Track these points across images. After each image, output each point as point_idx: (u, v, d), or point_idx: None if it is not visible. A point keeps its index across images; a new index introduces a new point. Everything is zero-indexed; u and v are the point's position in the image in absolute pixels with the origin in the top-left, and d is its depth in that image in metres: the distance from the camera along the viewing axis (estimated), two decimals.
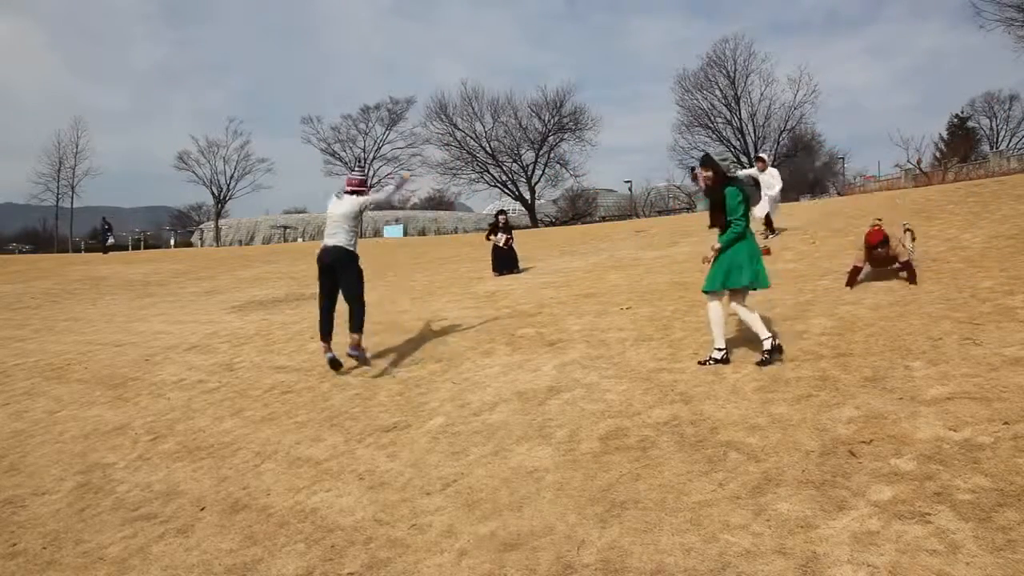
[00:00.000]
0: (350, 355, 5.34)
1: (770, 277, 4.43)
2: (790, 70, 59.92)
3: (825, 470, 2.73)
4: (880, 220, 6.47)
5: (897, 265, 5.78)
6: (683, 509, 2.62)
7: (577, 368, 4.66)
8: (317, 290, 5.48)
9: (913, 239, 6.47)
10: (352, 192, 5.48)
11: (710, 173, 4.35)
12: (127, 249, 33.93)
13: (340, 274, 5.29)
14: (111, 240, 26.67)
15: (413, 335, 6.41)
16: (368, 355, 5.49)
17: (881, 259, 5.76)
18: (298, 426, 4.35)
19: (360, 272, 5.37)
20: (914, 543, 2.17)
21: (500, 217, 11.42)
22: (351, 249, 5.29)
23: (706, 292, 4.38)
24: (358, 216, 5.38)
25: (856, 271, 5.88)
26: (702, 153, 4.57)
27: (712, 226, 4.43)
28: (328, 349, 5.38)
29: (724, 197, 4.25)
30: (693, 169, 4.74)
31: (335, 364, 5.35)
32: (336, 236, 5.28)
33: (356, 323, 5.28)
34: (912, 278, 5.66)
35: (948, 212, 9.97)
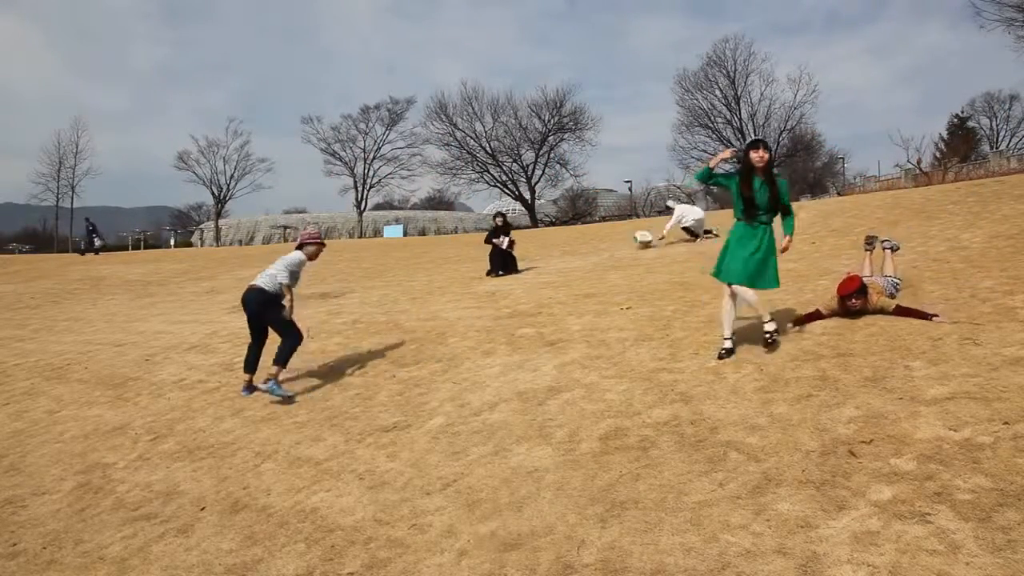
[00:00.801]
0: (260, 388, 5.02)
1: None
2: (790, 70, 60.03)
3: (825, 470, 2.73)
4: (870, 244, 5.86)
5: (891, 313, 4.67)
6: (683, 509, 2.62)
7: (577, 368, 4.66)
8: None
9: (894, 249, 5.64)
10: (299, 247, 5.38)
11: (768, 156, 4.30)
12: (114, 250, 32.59)
13: (263, 316, 5.13)
14: (98, 242, 25.73)
15: (413, 335, 6.41)
16: (285, 391, 4.96)
17: (855, 312, 4.75)
18: (298, 426, 4.35)
19: (282, 309, 5.13)
20: (914, 543, 2.17)
21: (498, 219, 11.16)
22: (272, 292, 5.10)
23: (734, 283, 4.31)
24: (285, 271, 5.14)
25: (815, 316, 4.88)
26: (756, 138, 4.42)
27: (748, 212, 4.29)
28: (247, 384, 5.26)
29: (779, 185, 4.28)
30: (738, 150, 4.61)
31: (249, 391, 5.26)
32: (262, 278, 5.15)
33: (279, 355, 4.97)
34: (921, 316, 4.46)
35: (948, 212, 9.97)
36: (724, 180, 4.41)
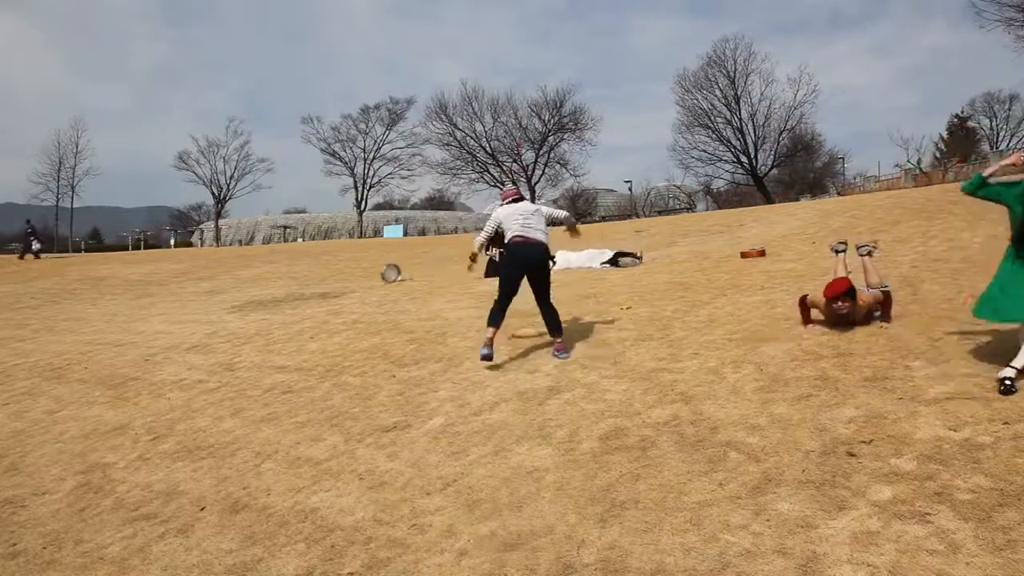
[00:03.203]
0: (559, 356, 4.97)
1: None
2: (791, 70, 60.00)
3: (825, 470, 2.73)
4: (842, 247, 5.34)
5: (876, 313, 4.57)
6: (683, 509, 2.62)
7: (577, 368, 4.66)
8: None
9: (870, 252, 5.19)
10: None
11: None
12: (51, 253, 29.57)
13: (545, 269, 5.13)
14: (36, 245, 24.64)
15: (413, 335, 6.41)
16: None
17: (842, 316, 4.48)
18: (298, 426, 4.35)
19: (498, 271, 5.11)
20: (914, 543, 2.17)
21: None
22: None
23: None
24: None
25: (804, 307, 4.74)
26: None
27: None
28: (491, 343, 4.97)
29: None
30: None
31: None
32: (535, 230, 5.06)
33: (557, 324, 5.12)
34: (886, 314, 4.51)
35: (948, 212, 9.97)
36: (1005, 191, 3.45)
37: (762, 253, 9.20)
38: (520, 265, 5.03)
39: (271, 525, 3.06)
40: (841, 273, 5.03)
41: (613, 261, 10.66)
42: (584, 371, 4.57)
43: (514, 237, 5.05)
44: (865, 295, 4.50)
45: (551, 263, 5.01)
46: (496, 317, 5.00)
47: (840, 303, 4.40)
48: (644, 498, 2.75)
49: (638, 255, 10.89)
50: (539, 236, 5.06)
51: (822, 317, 4.72)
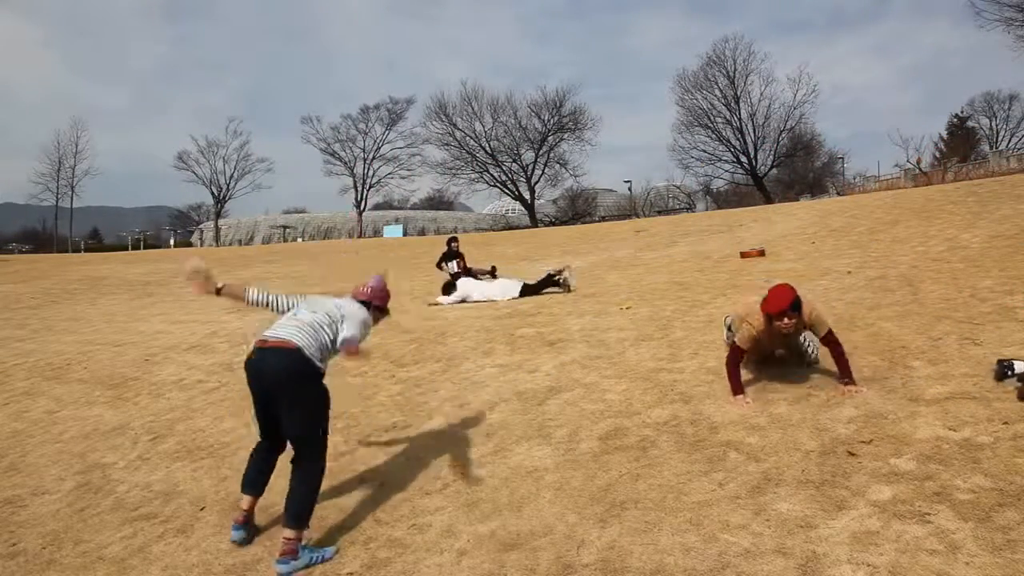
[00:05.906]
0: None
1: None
2: (791, 70, 60.00)
3: (825, 470, 2.73)
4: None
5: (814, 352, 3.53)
6: (683, 509, 2.62)
7: (577, 368, 4.66)
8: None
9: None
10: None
11: None
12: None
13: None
14: None
15: (413, 335, 6.40)
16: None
17: (783, 338, 3.52)
18: None
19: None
20: (914, 543, 2.17)
21: (453, 244, 10.74)
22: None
23: None
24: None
25: (736, 358, 3.54)
26: None
27: None
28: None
29: None
30: None
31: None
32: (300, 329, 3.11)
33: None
34: (845, 373, 3.44)
35: (948, 212, 9.97)
36: None
37: (762, 253, 9.21)
38: (252, 383, 2.98)
39: (270, 525, 3.06)
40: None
41: (533, 290, 8.27)
42: (584, 371, 4.57)
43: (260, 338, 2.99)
44: (810, 312, 3.49)
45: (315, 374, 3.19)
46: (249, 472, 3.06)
47: (787, 319, 3.36)
48: (644, 498, 2.75)
49: (562, 280, 8.25)
50: (295, 337, 3.01)
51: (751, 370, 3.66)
